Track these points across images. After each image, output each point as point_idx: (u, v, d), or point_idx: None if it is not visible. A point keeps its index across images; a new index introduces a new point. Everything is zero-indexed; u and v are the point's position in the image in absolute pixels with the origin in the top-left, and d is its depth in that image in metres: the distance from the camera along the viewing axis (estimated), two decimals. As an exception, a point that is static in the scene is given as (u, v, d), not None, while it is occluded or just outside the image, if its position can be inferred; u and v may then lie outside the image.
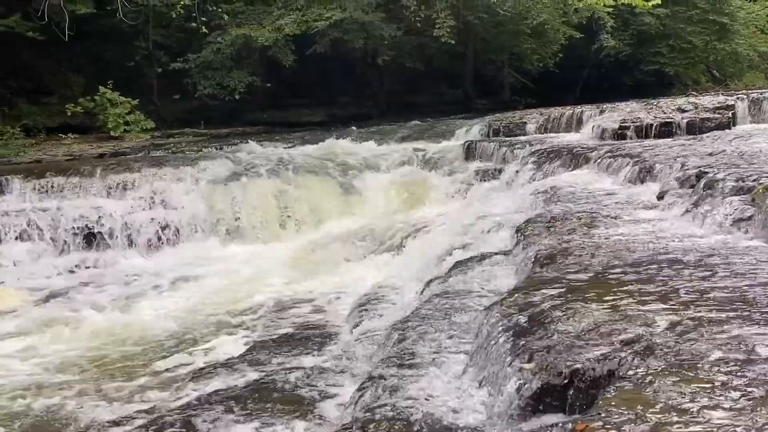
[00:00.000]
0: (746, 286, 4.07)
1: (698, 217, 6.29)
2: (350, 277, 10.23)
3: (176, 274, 11.35)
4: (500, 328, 4.07)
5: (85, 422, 5.88)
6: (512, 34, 26.50)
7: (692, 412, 2.61)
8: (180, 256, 12.26)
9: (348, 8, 22.75)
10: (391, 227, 11.94)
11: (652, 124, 12.65)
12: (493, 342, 4.00)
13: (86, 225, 12.32)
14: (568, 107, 16.90)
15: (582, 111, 15.22)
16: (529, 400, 3.27)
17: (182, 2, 20.61)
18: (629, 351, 3.25)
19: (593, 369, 3.18)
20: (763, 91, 17.58)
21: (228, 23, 23.07)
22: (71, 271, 11.62)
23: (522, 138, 15.00)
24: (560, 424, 2.91)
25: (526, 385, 3.32)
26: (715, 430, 2.46)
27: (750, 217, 5.72)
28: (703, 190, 6.76)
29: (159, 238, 12.63)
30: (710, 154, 8.80)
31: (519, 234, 7.03)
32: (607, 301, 4.03)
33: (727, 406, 2.63)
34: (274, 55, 23.31)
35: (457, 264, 7.00)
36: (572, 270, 4.94)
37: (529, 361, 3.48)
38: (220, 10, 22.71)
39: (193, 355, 7.49)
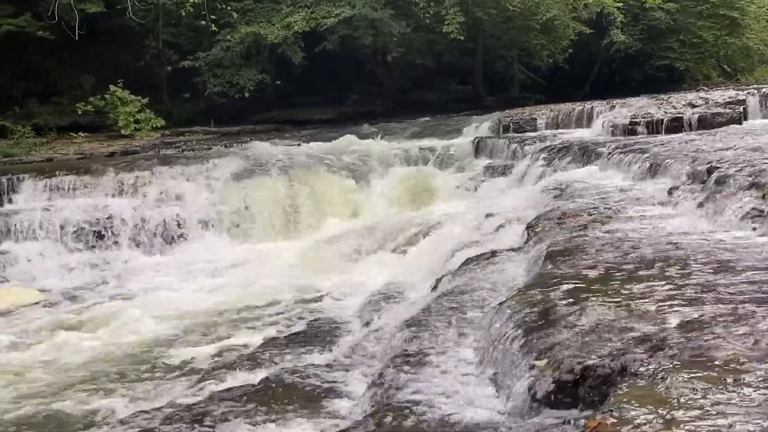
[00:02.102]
0: (758, 282, 4.06)
1: (709, 213, 6.27)
2: (360, 274, 10.23)
3: (186, 272, 11.39)
4: (511, 325, 4.07)
5: (100, 418, 5.92)
6: (522, 30, 26.40)
7: (705, 408, 2.61)
8: (190, 254, 12.30)
9: (357, 5, 22.73)
10: (401, 224, 11.94)
11: (662, 120, 12.62)
12: (504, 339, 4.00)
13: (97, 223, 12.36)
14: (579, 103, 16.86)
15: (592, 107, 15.18)
16: (541, 397, 3.27)
17: (191, 0, 20.65)
18: (641, 347, 3.25)
19: (605, 365, 3.18)
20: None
21: (237, 21, 23.10)
22: (82, 270, 11.65)
23: (532, 134, 14.97)
24: (572, 421, 2.92)
25: (538, 382, 3.33)
26: (728, 426, 2.46)
27: (761, 213, 5.70)
28: (714, 186, 6.73)
29: (169, 237, 12.67)
30: (721, 150, 8.76)
31: (530, 230, 7.02)
32: (618, 297, 4.02)
33: (739, 402, 2.63)
34: (283, 53, 23.32)
35: (468, 261, 6.99)
36: (583, 266, 4.93)
37: (541, 357, 3.48)
38: (229, 8, 22.74)
39: (205, 353, 7.52)
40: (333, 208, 13.68)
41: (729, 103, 13.20)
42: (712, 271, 4.40)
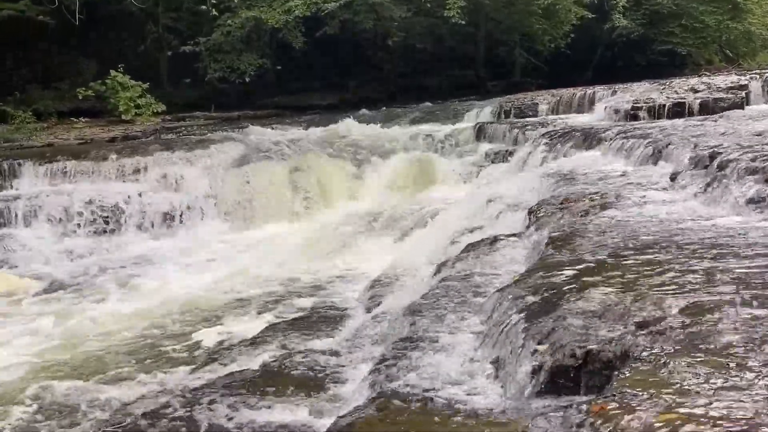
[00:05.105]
0: (760, 266, 4.05)
1: (712, 198, 6.25)
2: (361, 259, 10.24)
3: (188, 257, 11.39)
4: (513, 310, 4.07)
5: (98, 405, 5.92)
6: (523, 14, 26.32)
7: (707, 393, 2.61)
8: (192, 239, 12.30)
9: (358, -11, 22.67)
10: (402, 210, 11.94)
11: (664, 105, 12.59)
12: (506, 323, 4.00)
13: (98, 209, 12.35)
14: (580, 88, 16.82)
15: (594, 92, 15.15)
16: (543, 382, 3.27)
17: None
18: (643, 332, 3.24)
19: (607, 350, 3.17)
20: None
21: (238, 5, 23.02)
22: (82, 256, 11.64)
23: (534, 119, 14.95)
24: (575, 405, 2.91)
25: (540, 367, 3.32)
26: (730, 411, 2.45)
27: (764, 198, 5.68)
28: (717, 171, 6.71)
29: (171, 222, 12.67)
30: (723, 135, 8.73)
31: (531, 216, 7.01)
32: (620, 282, 4.01)
33: (742, 387, 2.63)
34: (284, 38, 23.25)
35: (469, 246, 6.98)
36: (585, 252, 4.92)
37: (543, 342, 3.47)
38: (229, -9, 22.68)
39: (206, 338, 7.53)
40: (334, 193, 13.67)
41: (731, 88, 13.16)
42: (714, 255, 4.39)
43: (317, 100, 24.28)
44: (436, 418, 3.32)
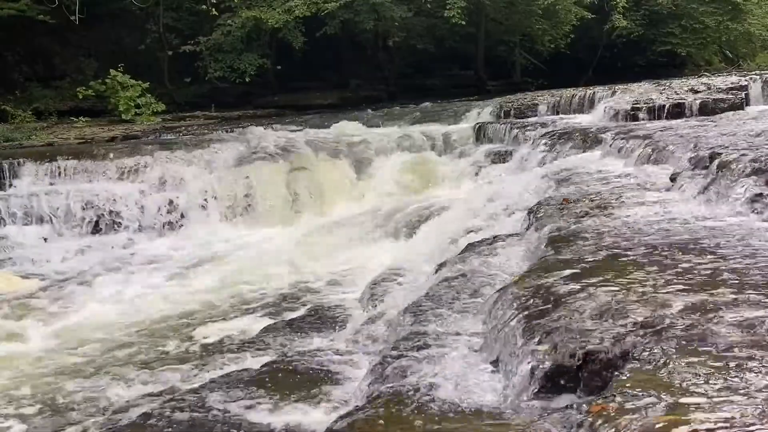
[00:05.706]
0: (760, 267, 4.06)
1: (712, 199, 6.26)
2: (362, 259, 10.23)
3: (188, 257, 11.37)
4: (513, 310, 4.07)
5: (97, 404, 5.92)
6: (523, 15, 26.30)
7: (707, 394, 2.61)
8: (191, 239, 12.29)
9: (358, -11, 22.66)
10: (402, 210, 11.93)
11: (664, 105, 12.59)
12: (506, 323, 4.00)
13: (97, 208, 12.35)
14: (580, 88, 16.82)
15: (594, 92, 15.13)
16: (543, 382, 3.27)
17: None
18: (643, 333, 3.25)
19: (607, 350, 3.17)
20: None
21: (238, 5, 23.01)
22: (81, 255, 11.63)
23: (533, 119, 14.93)
24: (575, 405, 2.92)
25: (540, 367, 3.32)
26: (730, 412, 2.45)
27: (764, 198, 5.68)
28: (717, 172, 6.71)
29: (170, 222, 12.66)
30: (723, 135, 8.74)
31: (531, 216, 7.01)
32: (620, 282, 4.02)
33: (742, 388, 2.63)
34: (284, 38, 23.25)
35: (469, 246, 6.98)
36: (585, 252, 4.93)
37: (542, 342, 3.48)
38: (229, -9, 22.67)
39: (206, 338, 7.53)
40: (334, 193, 13.66)
41: (731, 88, 13.18)
42: (714, 256, 4.39)
43: (317, 100, 24.25)
44: (436, 418, 3.33)
